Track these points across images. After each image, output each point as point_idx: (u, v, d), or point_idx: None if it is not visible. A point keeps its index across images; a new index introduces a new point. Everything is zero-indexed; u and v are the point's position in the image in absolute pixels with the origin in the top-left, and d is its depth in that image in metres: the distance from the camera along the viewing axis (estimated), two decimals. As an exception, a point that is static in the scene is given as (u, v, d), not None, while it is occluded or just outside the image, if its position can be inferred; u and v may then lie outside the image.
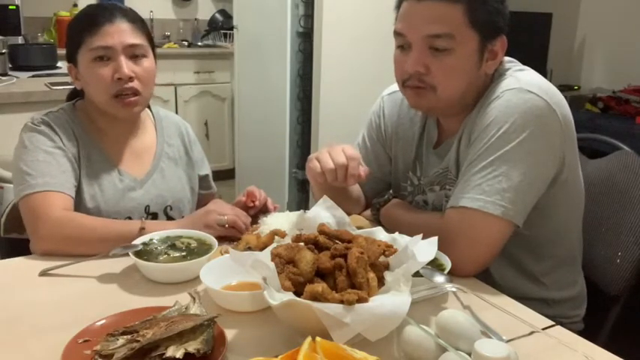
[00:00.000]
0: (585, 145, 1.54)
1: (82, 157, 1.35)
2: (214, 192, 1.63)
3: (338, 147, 1.21)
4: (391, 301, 0.80)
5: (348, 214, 1.14)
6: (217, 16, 4.68)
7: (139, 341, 0.80)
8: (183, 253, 1.14)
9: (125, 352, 0.78)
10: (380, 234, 0.99)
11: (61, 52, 3.28)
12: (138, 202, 1.39)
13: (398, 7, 1.20)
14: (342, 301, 0.78)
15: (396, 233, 0.98)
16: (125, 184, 1.39)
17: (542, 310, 1.05)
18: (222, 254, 1.12)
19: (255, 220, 1.34)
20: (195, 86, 4.34)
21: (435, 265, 1.08)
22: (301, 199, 3.36)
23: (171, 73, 4.16)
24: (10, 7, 3.31)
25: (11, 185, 1.44)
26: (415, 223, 1.22)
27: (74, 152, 1.34)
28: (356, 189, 1.45)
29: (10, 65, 3.07)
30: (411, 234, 0.95)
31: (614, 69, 3.71)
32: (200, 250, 1.15)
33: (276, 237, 1.11)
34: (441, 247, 0.98)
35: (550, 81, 1.21)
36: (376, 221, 1.39)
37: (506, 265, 1.24)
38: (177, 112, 3.95)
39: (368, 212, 1.46)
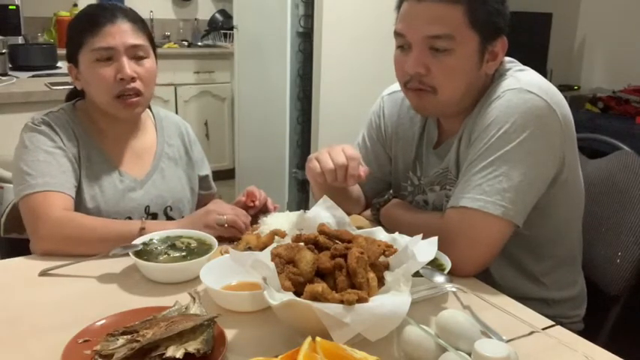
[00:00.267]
0: (585, 145, 1.54)
1: (82, 158, 1.35)
2: (214, 192, 1.63)
3: (338, 147, 1.21)
4: (391, 301, 0.80)
5: (348, 214, 1.14)
6: (217, 16, 4.68)
7: (139, 341, 0.80)
8: (183, 253, 1.14)
9: (125, 352, 0.78)
10: (380, 234, 0.99)
11: (61, 52, 3.28)
12: (138, 202, 1.39)
13: (398, 7, 1.20)
14: (342, 301, 0.78)
15: (396, 233, 0.98)
16: (125, 184, 1.39)
17: (542, 310, 1.05)
18: (222, 254, 1.12)
19: (255, 220, 1.34)
20: (195, 86, 4.34)
21: (435, 265, 1.08)
22: (301, 199, 3.36)
23: (171, 73, 4.16)
24: (10, 7, 3.31)
25: (11, 185, 1.44)
26: (415, 223, 1.22)
27: (74, 152, 1.34)
28: (356, 189, 1.45)
29: (10, 65, 3.07)
30: (411, 234, 0.95)
31: (614, 69, 3.71)
32: (200, 250, 1.15)
33: (276, 237, 1.11)
34: (441, 247, 0.98)
35: (550, 81, 1.21)
36: (376, 221, 1.39)
37: (506, 265, 1.24)
38: (177, 112, 3.96)
39: (368, 212, 1.46)
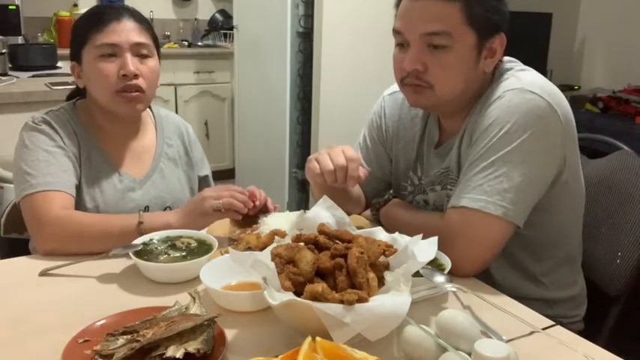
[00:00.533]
0: (585, 145, 1.53)
1: (82, 157, 1.35)
2: (214, 192, 1.62)
3: (337, 148, 1.21)
4: (391, 301, 0.80)
5: (348, 214, 1.14)
6: (217, 16, 4.68)
7: (139, 341, 0.80)
8: (183, 253, 1.14)
9: (125, 352, 0.78)
10: (380, 234, 0.99)
11: (61, 52, 3.31)
12: (137, 202, 1.39)
13: (397, 5, 1.21)
14: (342, 301, 0.78)
15: (396, 233, 0.98)
16: (125, 184, 1.39)
17: (543, 310, 1.05)
18: (222, 254, 1.12)
19: (255, 220, 1.34)
20: (195, 86, 4.34)
21: (435, 265, 1.08)
22: (301, 199, 3.36)
23: (171, 73, 4.16)
24: (10, 7, 3.31)
25: (11, 185, 1.44)
26: (415, 223, 1.22)
27: (75, 151, 1.34)
28: (356, 189, 1.45)
29: (10, 65, 3.07)
30: (410, 234, 0.94)
31: (614, 69, 3.71)
32: (200, 250, 1.15)
33: (276, 237, 1.11)
34: (441, 247, 0.98)
35: (550, 81, 1.21)
36: (376, 221, 1.39)
37: (506, 266, 1.24)
38: (177, 112, 3.94)
39: (368, 212, 1.46)
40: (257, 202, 1.42)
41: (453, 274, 1.07)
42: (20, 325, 0.95)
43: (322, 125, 3.02)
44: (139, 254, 1.10)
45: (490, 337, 0.84)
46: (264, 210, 1.42)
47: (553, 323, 0.98)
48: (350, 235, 0.95)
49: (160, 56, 1.41)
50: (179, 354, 0.78)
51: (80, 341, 0.86)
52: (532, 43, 3.49)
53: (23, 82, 2.76)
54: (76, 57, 1.37)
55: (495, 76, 1.23)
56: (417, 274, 0.96)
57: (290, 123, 3.24)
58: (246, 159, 3.80)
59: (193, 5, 4.85)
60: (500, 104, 1.15)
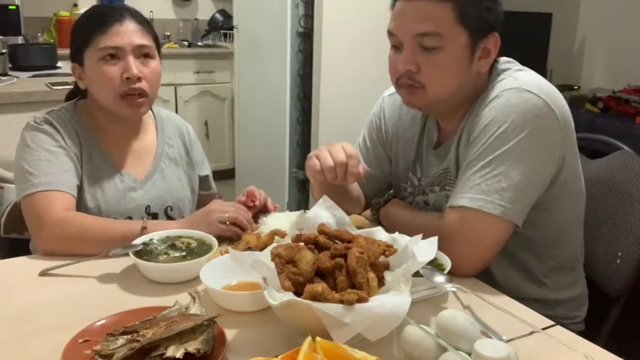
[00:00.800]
0: (585, 145, 1.54)
1: (83, 157, 1.35)
2: (215, 193, 1.63)
3: (337, 145, 1.21)
4: (391, 301, 0.80)
5: (348, 214, 1.14)
6: (217, 16, 4.68)
7: (139, 341, 0.80)
8: (183, 253, 1.14)
9: (125, 352, 0.78)
10: (380, 234, 0.99)
11: (61, 52, 3.31)
12: (138, 202, 1.39)
13: (392, 6, 1.21)
14: (342, 301, 0.78)
15: (396, 233, 0.98)
16: (126, 184, 1.39)
17: (544, 311, 1.05)
18: (222, 254, 1.12)
19: (255, 220, 1.34)
20: (195, 86, 4.34)
21: (435, 265, 1.08)
22: (301, 199, 3.36)
23: (172, 73, 4.16)
24: (10, 7, 3.31)
25: (11, 185, 1.44)
26: (415, 223, 1.22)
27: (76, 151, 1.34)
28: (356, 189, 1.45)
29: (10, 65, 3.07)
30: (410, 234, 0.94)
31: (614, 69, 3.71)
32: (200, 250, 1.15)
33: (276, 237, 1.11)
34: (440, 247, 0.98)
35: (550, 81, 1.21)
36: (376, 221, 1.39)
37: (507, 266, 1.24)
38: (177, 112, 3.93)
39: (368, 212, 1.46)
40: (257, 202, 1.42)
41: (453, 274, 1.07)
42: (20, 325, 0.95)
43: (322, 125, 3.02)
44: (138, 254, 1.10)
45: (490, 337, 0.84)
46: (264, 210, 1.43)
47: (553, 323, 0.98)
48: (350, 235, 0.95)
49: (160, 56, 1.41)
50: (179, 354, 0.78)
51: (80, 341, 0.86)
52: (532, 43, 3.49)
53: (23, 82, 2.76)
54: (77, 58, 1.36)
55: (492, 76, 1.23)
56: (417, 274, 0.96)
57: (290, 123, 3.24)
58: (246, 159, 3.79)
59: (193, 5, 4.85)
60: (498, 104, 1.15)
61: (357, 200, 1.46)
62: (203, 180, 1.59)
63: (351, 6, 2.91)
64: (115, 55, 1.31)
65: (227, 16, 4.55)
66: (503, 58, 1.26)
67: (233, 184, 3.94)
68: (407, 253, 0.88)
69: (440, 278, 1.01)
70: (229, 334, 0.89)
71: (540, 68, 1.58)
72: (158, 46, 1.40)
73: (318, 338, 0.71)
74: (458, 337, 0.80)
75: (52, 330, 0.91)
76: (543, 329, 0.92)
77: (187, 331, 0.81)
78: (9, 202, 1.53)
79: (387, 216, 1.36)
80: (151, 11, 4.33)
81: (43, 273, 1.12)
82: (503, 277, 1.23)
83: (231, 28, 3.91)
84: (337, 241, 0.93)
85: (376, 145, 1.45)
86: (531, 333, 0.86)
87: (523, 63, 1.27)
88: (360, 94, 2.73)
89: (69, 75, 1.42)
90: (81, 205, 1.32)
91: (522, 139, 1.12)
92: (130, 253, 1.09)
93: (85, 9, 1.49)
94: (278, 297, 0.80)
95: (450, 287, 0.99)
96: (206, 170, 1.60)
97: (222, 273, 1.03)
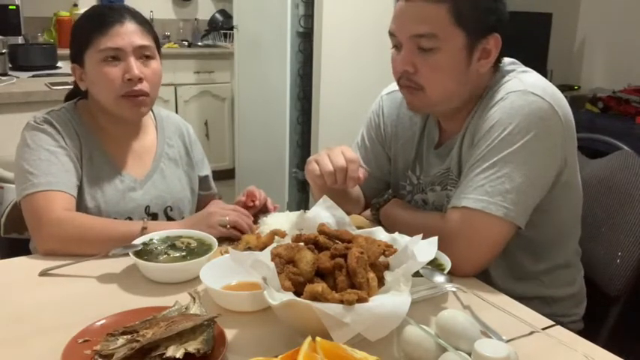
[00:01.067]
0: (585, 145, 1.54)
1: (84, 157, 1.35)
2: (215, 193, 1.63)
3: (337, 149, 1.21)
4: (391, 301, 0.80)
5: (348, 214, 1.14)
6: (217, 16, 4.68)
7: (139, 341, 0.80)
8: (183, 253, 1.14)
9: (125, 352, 0.78)
10: (380, 234, 0.99)
11: (61, 52, 3.31)
12: (138, 202, 1.39)
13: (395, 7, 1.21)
14: (342, 301, 0.78)
15: (396, 233, 0.98)
16: (126, 184, 1.39)
17: (542, 308, 1.05)
18: (222, 254, 1.12)
19: (255, 220, 1.34)
20: (195, 86, 4.34)
21: (435, 265, 1.08)
22: (301, 199, 3.36)
23: (172, 73, 4.16)
24: (10, 7, 3.31)
25: (11, 185, 1.44)
26: (415, 222, 1.22)
27: (76, 152, 1.34)
28: (355, 189, 1.45)
29: (10, 65, 3.07)
30: (410, 234, 0.94)
31: (614, 69, 3.71)
32: (200, 250, 1.15)
33: (276, 237, 1.11)
34: (441, 247, 0.98)
35: (550, 81, 1.21)
36: (376, 221, 1.39)
37: (505, 266, 1.24)
38: (177, 112, 3.94)
39: (368, 212, 1.46)
40: (257, 202, 1.42)
41: (453, 274, 1.07)
42: (20, 325, 0.95)
43: (322, 125, 3.02)
44: (139, 254, 1.10)
45: (490, 337, 0.84)
46: (264, 210, 1.43)
47: (553, 323, 0.98)
48: (350, 235, 0.95)
49: (161, 56, 1.41)
50: (179, 354, 0.78)
51: (80, 341, 0.86)
52: (532, 43, 3.49)
53: (23, 82, 2.76)
54: (77, 59, 1.36)
55: (497, 77, 1.23)
56: (417, 274, 0.96)
57: (290, 123, 3.24)
58: (246, 159, 3.79)
59: (193, 5, 4.85)
60: (503, 106, 1.15)
61: (357, 200, 1.46)
62: (203, 180, 1.59)
63: (351, 6, 2.91)
64: (115, 56, 1.31)
65: (227, 16, 4.55)
66: (508, 59, 1.25)
67: (233, 184, 3.94)
68: (407, 253, 0.88)
69: (440, 278, 1.01)
70: (229, 334, 0.89)
71: (540, 68, 1.57)
72: (158, 47, 1.40)
73: (318, 338, 0.71)
74: (458, 337, 0.80)
75: (52, 330, 0.91)
76: (543, 329, 0.92)
77: (187, 331, 0.81)
78: (9, 202, 1.53)
79: (386, 216, 1.36)
80: (151, 11, 4.33)
81: (43, 273, 1.12)
82: (501, 275, 1.23)
83: (231, 28, 3.91)
84: (337, 241, 0.93)
85: (375, 144, 1.45)
86: (531, 333, 0.86)
87: (523, 63, 1.27)
88: (360, 94, 2.73)
89: (69, 75, 1.42)
90: (81, 206, 1.32)
91: (527, 141, 1.12)
92: (130, 253, 1.09)
93: (85, 9, 1.49)
94: (278, 297, 0.80)
95: (450, 287, 0.99)
96: (206, 170, 1.60)
97: (222, 273, 1.03)
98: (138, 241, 1.15)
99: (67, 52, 1.46)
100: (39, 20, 4.14)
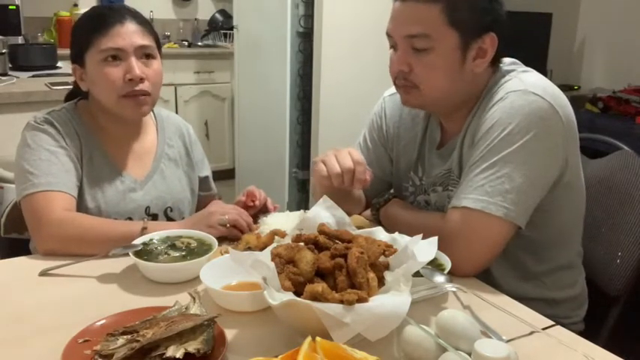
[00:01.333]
0: (585, 145, 1.53)
1: (84, 157, 1.35)
2: (215, 193, 1.63)
3: (344, 151, 1.21)
4: (391, 301, 0.80)
5: (349, 214, 1.14)
6: (217, 16, 4.68)
7: (139, 341, 0.80)
8: (183, 253, 1.14)
9: (125, 352, 0.78)
10: (380, 234, 0.99)
11: (61, 52, 3.31)
12: (138, 203, 1.39)
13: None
14: (342, 301, 0.78)
15: (396, 233, 0.98)
16: (126, 185, 1.39)
17: (543, 310, 1.05)
18: (222, 254, 1.12)
19: (255, 220, 1.34)
20: (195, 86, 4.34)
21: (435, 265, 1.08)
22: (301, 199, 3.36)
23: (172, 73, 4.16)
24: (10, 7, 3.31)
25: (11, 185, 1.44)
26: (415, 223, 1.22)
27: (76, 152, 1.34)
28: (357, 190, 1.45)
29: (10, 65, 3.07)
30: (411, 234, 0.94)
31: (614, 69, 3.71)
32: (200, 250, 1.15)
33: (276, 237, 1.11)
34: (441, 247, 0.98)
35: (550, 81, 1.21)
36: (376, 221, 1.39)
37: (507, 266, 1.24)
38: (177, 112, 3.95)
39: (368, 212, 1.46)
40: (257, 202, 1.42)
41: (453, 274, 1.07)
42: (20, 325, 0.95)
43: (322, 125, 3.02)
44: (138, 254, 1.10)
45: (490, 337, 0.84)
46: (264, 210, 1.43)
47: (553, 323, 0.98)
48: (350, 235, 0.95)
49: (161, 56, 1.41)
50: (179, 354, 0.78)
51: (80, 341, 0.86)
52: (532, 43, 3.49)
53: (23, 82, 2.76)
54: (78, 60, 1.36)
55: (497, 77, 1.23)
56: (417, 274, 0.96)
57: (290, 123, 3.24)
58: (246, 159, 3.79)
59: (193, 5, 4.85)
60: (503, 105, 1.15)
61: (359, 200, 1.46)
62: (203, 181, 1.59)
63: (351, 6, 2.91)
64: (116, 56, 1.31)
65: (227, 16, 4.55)
66: (508, 59, 1.25)
67: (233, 185, 3.94)
68: (407, 253, 0.88)
69: (440, 278, 1.01)
70: (229, 334, 0.89)
71: (540, 68, 1.57)
72: (159, 47, 1.40)
73: (318, 338, 0.71)
74: (458, 337, 0.80)
75: (52, 330, 0.91)
76: (543, 329, 0.92)
77: (187, 331, 0.81)
78: (9, 202, 1.53)
79: (387, 216, 1.36)
80: (151, 11, 4.33)
81: (43, 273, 1.12)
82: (502, 276, 1.23)
83: (231, 28, 3.91)
84: (337, 241, 0.93)
85: (377, 145, 1.45)
86: (531, 333, 0.86)
87: (523, 63, 1.27)
88: (360, 94, 2.73)
89: (69, 75, 1.42)
90: (81, 206, 1.32)
91: (527, 141, 1.12)
92: (130, 253, 1.09)
93: (85, 9, 1.49)
94: (278, 297, 0.80)
95: (450, 287, 0.99)
96: (206, 171, 1.60)
97: (222, 273, 1.03)
98: (138, 241, 1.15)
99: (67, 52, 1.46)
100: (39, 20, 4.14)
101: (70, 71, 1.44)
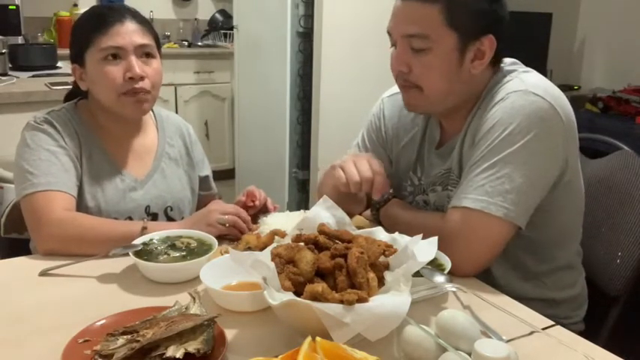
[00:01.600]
0: (585, 145, 1.54)
1: (83, 157, 1.35)
2: (215, 193, 1.63)
3: (363, 158, 1.21)
4: (391, 301, 0.80)
5: (351, 215, 1.14)
6: (217, 16, 4.68)
7: (139, 341, 0.80)
8: (183, 253, 1.14)
9: (125, 352, 0.78)
10: (380, 234, 0.99)
11: (61, 52, 3.31)
12: (138, 202, 1.39)
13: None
14: (342, 301, 0.78)
15: (396, 233, 0.98)
16: (126, 184, 1.39)
17: (543, 310, 1.05)
18: (222, 254, 1.12)
19: (255, 220, 1.34)
20: (195, 86, 4.34)
21: (435, 265, 1.08)
22: (301, 199, 3.36)
23: (172, 73, 4.16)
24: (10, 7, 3.31)
25: (11, 185, 1.44)
26: (415, 222, 1.22)
27: (76, 151, 1.34)
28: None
29: (10, 65, 3.07)
30: (410, 234, 0.94)
31: (614, 69, 3.71)
32: (200, 250, 1.15)
33: (276, 237, 1.11)
34: (441, 247, 0.98)
35: (550, 81, 1.21)
36: (376, 221, 1.39)
37: (507, 266, 1.24)
38: (177, 112, 3.94)
39: (368, 212, 1.46)
40: (257, 202, 1.42)
41: (453, 274, 1.07)
42: (20, 325, 0.95)
43: (322, 125, 3.02)
44: (139, 254, 1.10)
45: (490, 337, 0.84)
46: (264, 210, 1.43)
47: (553, 323, 0.98)
48: (350, 235, 0.95)
49: (161, 55, 1.41)
50: (179, 354, 0.78)
51: (80, 341, 0.86)
52: (532, 43, 3.49)
53: (23, 82, 2.76)
54: (77, 59, 1.36)
55: (498, 77, 1.22)
56: (417, 274, 0.96)
57: (290, 123, 3.24)
58: (246, 159, 3.79)
59: (193, 5, 4.85)
60: (504, 106, 1.15)
61: (361, 200, 1.46)
62: (203, 180, 1.59)
63: (351, 6, 2.91)
64: (116, 55, 1.31)
65: (227, 16, 4.55)
66: (509, 60, 1.25)
67: (233, 184, 3.94)
68: (407, 253, 0.88)
69: (440, 278, 1.01)
70: (229, 334, 0.89)
71: (540, 68, 1.57)
72: (159, 46, 1.40)
73: (318, 338, 0.71)
74: (458, 337, 0.80)
75: (52, 330, 0.91)
76: (543, 329, 0.92)
77: (187, 331, 0.81)
78: (9, 202, 1.53)
79: (387, 216, 1.36)
80: (151, 11, 4.33)
81: (43, 273, 1.12)
82: (503, 277, 1.23)
83: (231, 28, 3.91)
84: (337, 241, 0.93)
85: (376, 146, 1.45)
86: (531, 333, 0.86)
87: (523, 63, 1.27)
88: (360, 94, 2.73)
89: (69, 75, 1.42)
90: (81, 205, 1.32)
91: (528, 141, 1.12)
92: (130, 253, 1.09)
93: (85, 9, 1.49)
94: (278, 297, 0.80)
95: (450, 287, 0.99)
96: (206, 170, 1.60)
97: (222, 273, 1.03)
98: (138, 241, 1.15)
99: (67, 52, 1.46)
100: (39, 20, 4.14)
101: (69, 71, 1.44)
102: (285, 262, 0.86)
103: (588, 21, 3.86)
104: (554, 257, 1.27)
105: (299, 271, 0.85)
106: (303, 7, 3.07)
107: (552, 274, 1.28)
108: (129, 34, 1.31)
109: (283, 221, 1.27)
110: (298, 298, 0.80)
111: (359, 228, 1.04)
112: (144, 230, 1.20)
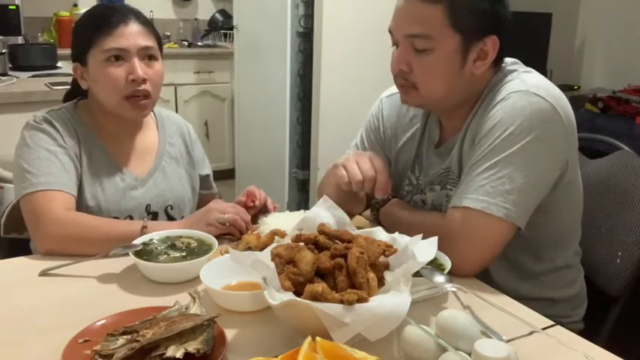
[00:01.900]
0: (585, 145, 1.54)
1: (83, 156, 1.35)
2: (215, 192, 1.63)
3: (365, 157, 1.21)
4: (391, 301, 0.80)
5: (351, 214, 1.14)
6: (217, 16, 4.68)
7: (139, 341, 0.80)
8: (183, 253, 1.14)
9: (125, 352, 0.78)
10: (380, 234, 0.99)
11: (61, 52, 3.31)
12: (139, 201, 1.39)
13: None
14: (342, 301, 0.78)
15: (396, 233, 0.98)
16: (126, 182, 1.39)
17: (543, 309, 1.05)
18: (222, 254, 1.12)
19: (255, 220, 1.34)
20: (195, 86, 4.34)
21: (435, 265, 1.08)
22: (301, 199, 3.36)
23: (172, 73, 4.16)
24: (10, 7, 3.31)
25: (11, 185, 1.44)
26: (415, 222, 1.23)
27: (76, 151, 1.34)
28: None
29: (10, 65, 3.07)
30: (410, 234, 0.95)
31: (614, 69, 3.71)
32: (200, 250, 1.15)
33: (276, 237, 1.11)
34: (441, 247, 0.98)
35: (550, 81, 1.21)
36: (376, 221, 1.39)
37: (506, 266, 1.24)
38: (177, 112, 3.94)
39: (368, 212, 1.46)
40: (257, 202, 1.42)
41: (453, 274, 1.07)
42: (20, 325, 0.95)
43: (322, 125, 3.02)
44: (138, 254, 1.10)
45: (490, 337, 0.84)
46: (264, 210, 1.43)
47: (553, 323, 0.98)
48: (350, 235, 0.95)
49: (162, 56, 1.41)
50: (179, 354, 0.78)
51: (80, 341, 0.86)
52: (532, 43, 3.49)
53: (23, 82, 2.76)
54: (79, 59, 1.36)
55: (499, 77, 1.22)
56: (417, 274, 0.96)
57: (290, 123, 3.24)
58: (246, 159, 3.79)
59: (193, 5, 4.85)
60: (505, 106, 1.15)
61: (361, 200, 1.46)
62: (203, 179, 1.59)
63: (351, 6, 2.91)
64: (119, 56, 1.31)
65: (227, 16, 4.55)
66: (510, 59, 1.25)
67: (233, 184, 3.94)
68: (407, 253, 0.88)
69: (440, 278, 1.01)
70: (229, 334, 0.89)
71: (540, 68, 1.57)
72: (161, 47, 1.40)
73: (318, 338, 0.71)
74: (458, 337, 0.80)
75: (52, 330, 0.91)
76: (543, 329, 0.92)
77: (187, 331, 0.81)
78: (9, 202, 1.53)
79: (386, 216, 1.36)
80: (151, 11, 4.32)
81: (43, 273, 1.12)
82: (501, 276, 1.23)
83: (231, 28, 3.91)
84: (337, 241, 0.93)
85: (375, 146, 1.45)
86: (531, 333, 0.86)
87: (523, 63, 1.27)
88: (360, 94, 2.72)
89: (69, 75, 1.42)
90: (81, 204, 1.32)
91: (528, 142, 1.12)
92: (130, 253, 1.09)
93: (85, 9, 1.49)
94: (278, 297, 0.80)
95: (450, 287, 0.99)
96: (207, 170, 1.60)
97: (222, 273, 1.03)
98: (138, 241, 1.15)
99: (67, 52, 1.46)
100: (39, 20, 4.14)
101: (70, 71, 1.44)
102: (285, 262, 0.86)
103: (588, 21, 3.86)
104: (552, 257, 1.27)
105: (299, 271, 0.85)
106: (303, 7, 3.07)
107: (551, 274, 1.28)
108: (133, 35, 1.31)
109: (283, 221, 1.27)
110: (298, 298, 0.80)
111: (359, 228, 1.04)
112: (144, 229, 1.20)
